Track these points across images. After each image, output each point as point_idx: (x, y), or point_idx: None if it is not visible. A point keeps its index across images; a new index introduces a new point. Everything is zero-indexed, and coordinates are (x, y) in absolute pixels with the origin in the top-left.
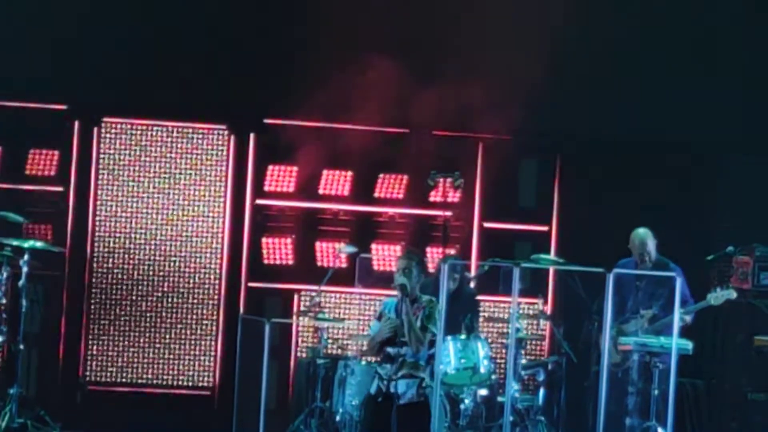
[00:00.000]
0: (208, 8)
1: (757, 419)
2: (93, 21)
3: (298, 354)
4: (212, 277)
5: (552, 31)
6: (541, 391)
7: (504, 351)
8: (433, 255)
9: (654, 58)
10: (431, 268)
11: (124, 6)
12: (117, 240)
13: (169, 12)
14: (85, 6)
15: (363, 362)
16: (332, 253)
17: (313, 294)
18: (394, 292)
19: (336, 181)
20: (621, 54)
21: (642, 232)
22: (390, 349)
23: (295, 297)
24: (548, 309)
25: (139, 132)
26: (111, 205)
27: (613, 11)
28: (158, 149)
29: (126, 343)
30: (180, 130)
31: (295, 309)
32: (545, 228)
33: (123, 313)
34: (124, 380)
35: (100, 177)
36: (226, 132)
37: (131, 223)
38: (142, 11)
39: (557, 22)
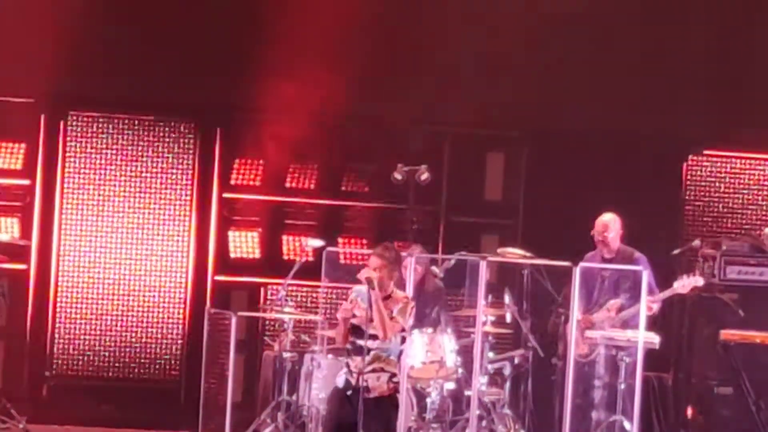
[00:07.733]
0: (175, 3)
1: (723, 413)
2: (60, 14)
3: (265, 347)
4: (179, 270)
5: (520, 25)
6: (508, 385)
7: (470, 344)
8: (399, 248)
9: (623, 51)
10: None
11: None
12: (83, 233)
13: (137, 6)
14: None
15: (329, 356)
16: (299, 246)
17: (280, 288)
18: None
19: (302, 175)
20: (589, 47)
21: (606, 216)
22: (359, 341)
23: (262, 290)
24: (515, 302)
25: (105, 125)
26: (77, 198)
27: (580, 5)
28: (125, 142)
29: (92, 336)
30: (146, 123)
31: (261, 302)
32: (512, 221)
33: (89, 305)
34: (90, 373)
35: (67, 170)
36: (192, 125)
37: (98, 215)
38: (110, 5)
39: (525, 16)
